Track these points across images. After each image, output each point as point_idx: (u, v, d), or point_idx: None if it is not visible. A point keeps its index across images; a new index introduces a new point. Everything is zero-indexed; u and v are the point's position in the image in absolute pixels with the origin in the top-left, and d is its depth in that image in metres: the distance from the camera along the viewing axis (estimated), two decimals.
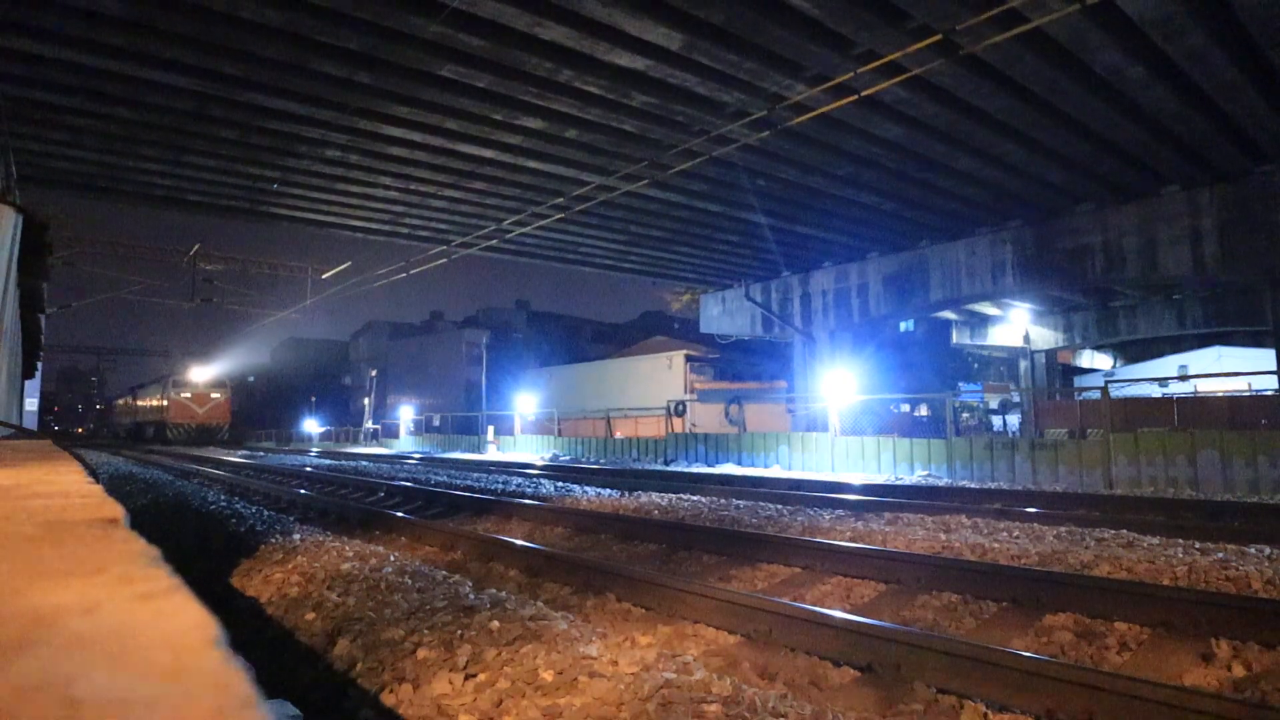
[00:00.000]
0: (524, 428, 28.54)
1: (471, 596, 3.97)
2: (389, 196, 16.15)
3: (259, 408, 65.59)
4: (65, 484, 2.08)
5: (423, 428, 35.31)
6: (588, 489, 10.33)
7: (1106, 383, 13.92)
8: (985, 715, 2.55)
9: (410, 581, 4.34)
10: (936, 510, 7.23)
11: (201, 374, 44.40)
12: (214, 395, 43.76)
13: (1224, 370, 23.84)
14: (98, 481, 2.41)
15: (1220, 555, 4.71)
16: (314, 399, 57.74)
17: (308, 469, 14.69)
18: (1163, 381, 22.96)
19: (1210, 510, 7.69)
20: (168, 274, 28.15)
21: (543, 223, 16.94)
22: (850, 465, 14.46)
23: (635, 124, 12.10)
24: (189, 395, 42.86)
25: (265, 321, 33.25)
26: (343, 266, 26.19)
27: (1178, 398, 18.73)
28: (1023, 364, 30.83)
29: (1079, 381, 33.15)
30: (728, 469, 15.68)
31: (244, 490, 11.24)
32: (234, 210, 17.52)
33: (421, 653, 3.13)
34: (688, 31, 9.31)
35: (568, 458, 22.10)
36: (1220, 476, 10.00)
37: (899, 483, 11.28)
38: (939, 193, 15.04)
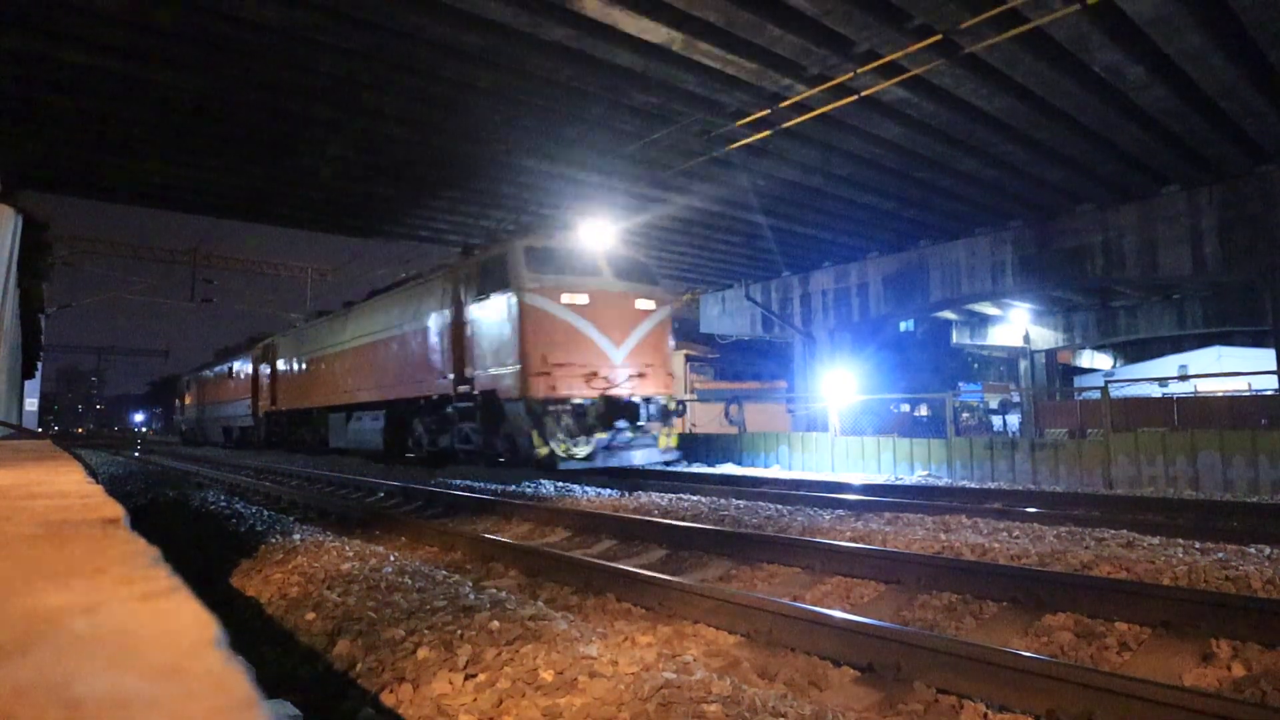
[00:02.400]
0: None
1: (471, 596, 3.97)
2: (389, 196, 16.15)
3: None
4: (65, 484, 2.08)
5: None
6: (587, 489, 10.32)
7: (1106, 383, 13.91)
8: (985, 715, 2.55)
9: (410, 581, 4.34)
10: (936, 510, 7.23)
11: (596, 236, 13.09)
12: (642, 303, 11.98)
13: (1224, 370, 23.84)
14: (98, 482, 2.41)
15: (1220, 555, 4.71)
16: None
17: (308, 469, 14.69)
18: (1163, 381, 22.97)
19: (1210, 510, 7.68)
20: (168, 274, 28.47)
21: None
22: (850, 465, 14.45)
23: (635, 124, 12.10)
24: (582, 301, 11.30)
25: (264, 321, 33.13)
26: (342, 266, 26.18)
27: (1178, 398, 18.75)
28: (1023, 364, 30.87)
29: (1079, 381, 33.18)
30: (727, 469, 15.67)
31: (243, 490, 11.24)
32: (234, 210, 17.53)
33: (421, 653, 3.13)
34: (688, 31, 9.31)
35: None
36: (1220, 476, 10.00)
37: (899, 483, 11.27)
38: (939, 193, 15.04)
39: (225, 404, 28.42)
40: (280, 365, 21.68)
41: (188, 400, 36.14)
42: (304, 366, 19.85)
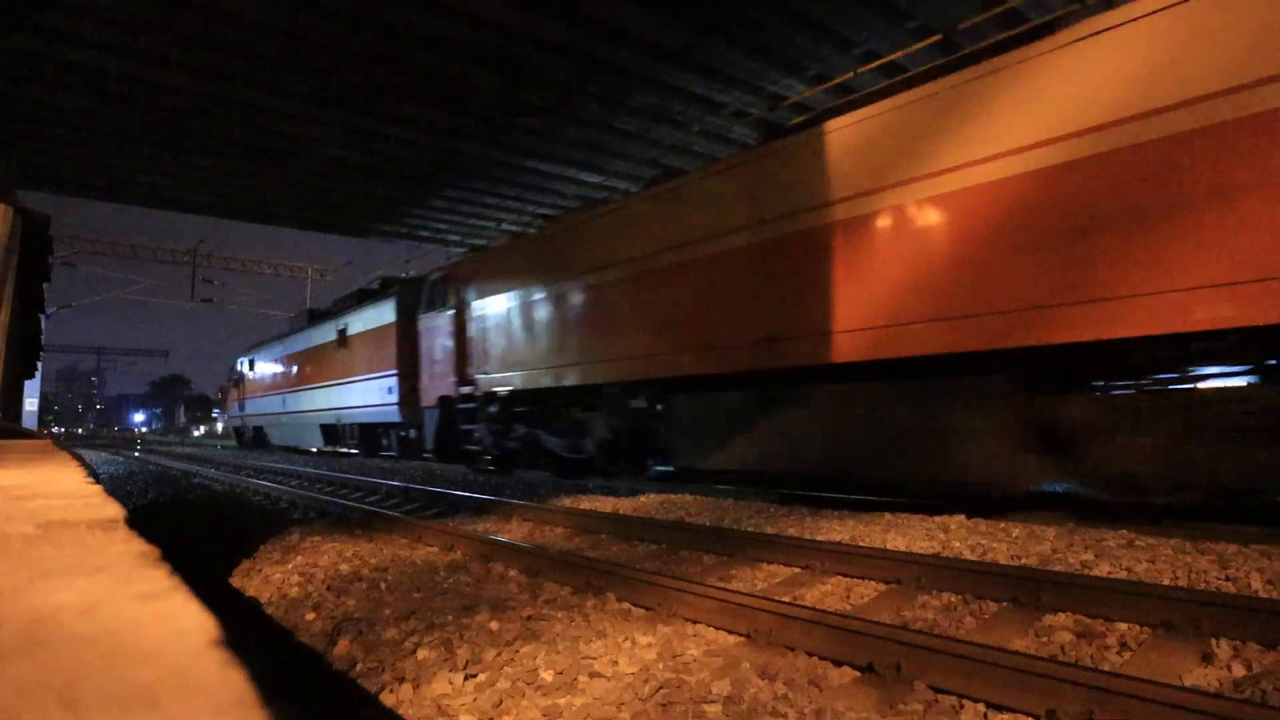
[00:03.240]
0: None
1: (471, 596, 3.97)
2: (389, 196, 16.16)
3: None
4: (65, 484, 2.08)
5: None
6: (588, 489, 10.32)
7: None
8: (985, 715, 2.56)
9: (410, 581, 4.34)
10: (937, 510, 7.22)
11: None
12: None
13: None
14: (98, 482, 2.41)
15: (1220, 555, 4.71)
16: None
17: (308, 469, 14.70)
18: None
19: (1210, 509, 7.67)
20: (168, 274, 28.50)
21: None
22: None
23: (635, 124, 12.11)
24: None
25: (265, 321, 33.07)
26: (343, 264, 26.22)
27: None
28: None
29: None
30: None
31: (243, 490, 11.25)
32: (234, 210, 17.54)
33: (421, 653, 3.13)
34: (688, 31, 9.31)
35: None
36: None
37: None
38: None
39: (329, 389, 17.41)
40: (483, 310, 11.53)
41: (248, 390, 23.53)
42: (585, 301, 9.80)
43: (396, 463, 15.70)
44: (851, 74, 9.96)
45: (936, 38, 9.14)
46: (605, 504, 8.35)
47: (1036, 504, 7.13)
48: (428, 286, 12.93)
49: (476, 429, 12.06)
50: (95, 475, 3.49)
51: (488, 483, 11.28)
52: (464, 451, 12.54)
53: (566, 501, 8.69)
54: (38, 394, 36.06)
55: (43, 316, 21.06)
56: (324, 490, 11.19)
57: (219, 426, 69.78)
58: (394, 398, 14.44)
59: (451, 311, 12.23)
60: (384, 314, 14.83)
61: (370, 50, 9.90)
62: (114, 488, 11.46)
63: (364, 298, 16.44)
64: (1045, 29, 5.80)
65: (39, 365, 26.96)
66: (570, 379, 9.91)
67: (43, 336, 22.92)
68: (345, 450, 18.18)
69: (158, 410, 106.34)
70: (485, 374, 11.56)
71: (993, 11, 8.54)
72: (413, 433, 14.39)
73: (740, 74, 10.36)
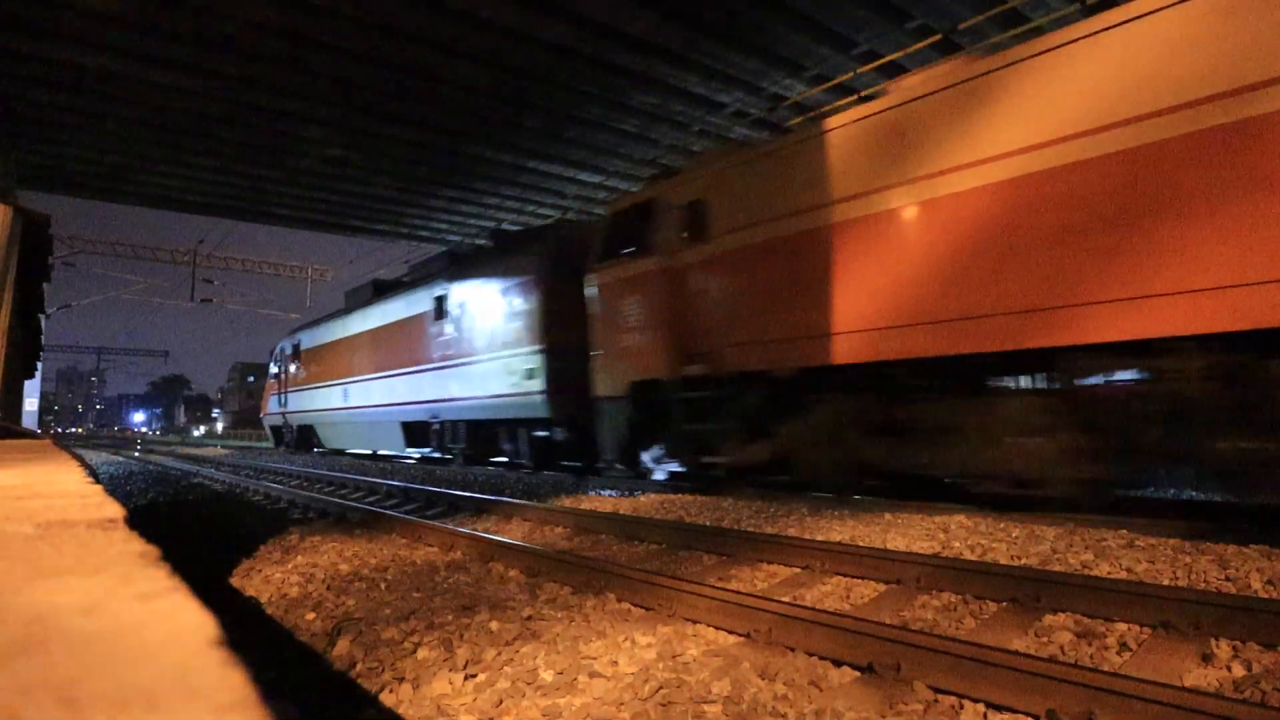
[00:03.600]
0: None
1: (471, 596, 3.97)
2: (389, 196, 16.16)
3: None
4: (65, 484, 2.08)
5: None
6: (588, 488, 10.33)
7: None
8: (985, 715, 2.56)
9: (410, 581, 4.34)
10: (937, 510, 7.23)
11: None
12: None
13: None
14: (98, 481, 2.41)
15: (1220, 555, 4.71)
16: None
17: (308, 469, 14.71)
18: None
19: (1211, 509, 7.68)
20: (168, 274, 28.49)
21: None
22: None
23: (635, 124, 12.10)
24: None
25: (265, 319, 33.07)
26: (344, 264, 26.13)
27: None
28: None
29: None
30: None
31: (242, 490, 11.25)
32: (234, 210, 17.55)
33: (421, 653, 3.13)
34: (688, 31, 9.32)
35: None
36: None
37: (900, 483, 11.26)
38: None
39: (418, 375, 13.46)
40: (746, 242, 7.48)
41: (291, 381, 18.88)
42: (1033, 203, 5.44)
43: (393, 465, 15.58)
44: (851, 74, 9.96)
45: (936, 38, 9.14)
46: (605, 504, 8.36)
47: (1037, 504, 7.11)
48: (609, 224, 9.05)
49: (712, 428, 8.30)
50: (95, 475, 3.49)
51: (488, 482, 11.28)
52: (694, 462, 8.80)
53: (566, 501, 8.70)
54: (38, 394, 36.07)
55: (43, 316, 21.03)
56: (324, 490, 11.20)
57: (219, 426, 69.80)
58: (536, 384, 10.73)
59: (660, 256, 8.39)
60: (518, 269, 10.77)
61: (370, 50, 9.90)
62: (114, 488, 11.46)
63: (466, 258, 12.58)
64: None
65: (39, 365, 26.94)
66: (978, 341, 5.81)
67: (43, 336, 22.91)
68: (439, 456, 14.06)
69: (158, 410, 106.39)
70: (741, 343, 7.61)
71: (993, 11, 8.54)
72: (559, 432, 10.93)
73: (740, 74, 10.36)
